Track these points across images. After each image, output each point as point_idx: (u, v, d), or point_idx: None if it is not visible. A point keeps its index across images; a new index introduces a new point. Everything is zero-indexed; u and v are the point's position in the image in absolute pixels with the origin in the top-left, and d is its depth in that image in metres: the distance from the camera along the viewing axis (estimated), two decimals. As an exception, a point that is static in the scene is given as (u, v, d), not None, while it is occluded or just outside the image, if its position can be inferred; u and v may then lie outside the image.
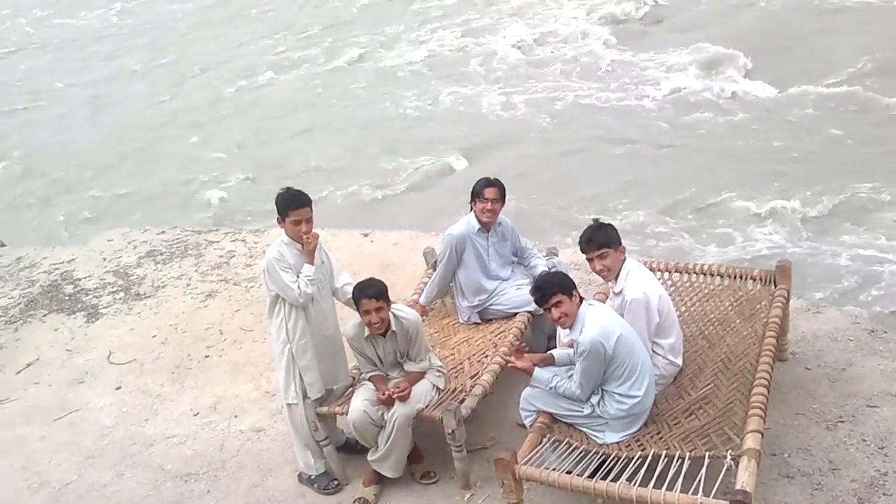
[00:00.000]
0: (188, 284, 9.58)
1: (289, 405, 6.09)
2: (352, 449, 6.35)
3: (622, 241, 5.62)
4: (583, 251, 5.57)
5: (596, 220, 5.73)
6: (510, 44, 16.84)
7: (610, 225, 5.63)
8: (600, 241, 5.45)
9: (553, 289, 5.23)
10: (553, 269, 6.54)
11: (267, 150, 14.14)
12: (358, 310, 5.71)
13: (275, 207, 5.89)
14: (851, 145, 10.95)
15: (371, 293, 5.61)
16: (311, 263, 5.86)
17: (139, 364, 8.23)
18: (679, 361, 5.70)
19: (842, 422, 5.92)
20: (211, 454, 6.84)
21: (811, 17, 15.24)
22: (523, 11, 18.70)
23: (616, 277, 5.60)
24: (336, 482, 6.20)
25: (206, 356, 8.17)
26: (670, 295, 6.50)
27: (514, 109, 13.93)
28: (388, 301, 5.71)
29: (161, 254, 10.46)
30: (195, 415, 7.36)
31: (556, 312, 5.25)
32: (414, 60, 16.97)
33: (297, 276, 5.81)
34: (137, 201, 13.01)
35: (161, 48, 20.99)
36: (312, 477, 6.25)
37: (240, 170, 13.46)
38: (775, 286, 6.31)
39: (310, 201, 5.88)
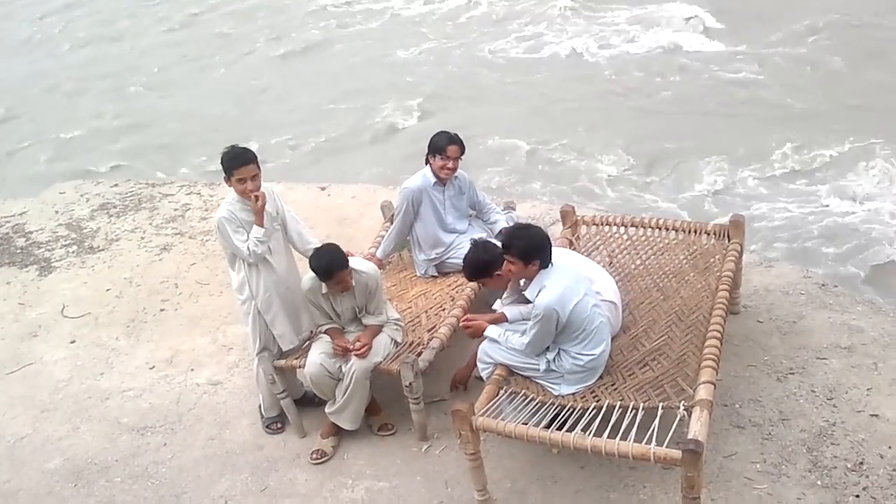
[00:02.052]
0: (142, 238, 9.46)
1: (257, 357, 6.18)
2: (310, 401, 6.37)
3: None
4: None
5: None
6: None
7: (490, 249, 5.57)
8: (476, 274, 5.55)
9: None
10: (510, 225, 6.57)
11: (221, 103, 13.92)
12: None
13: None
14: (807, 103, 11.04)
15: (337, 274, 5.57)
16: (261, 224, 5.72)
17: (93, 318, 8.14)
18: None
19: (792, 373, 6.03)
20: (167, 407, 6.81)
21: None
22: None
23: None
24: (279, 426, 6.33)
25: (162, 310, 8.10)
26: (626, 249, 6.58)
27: (473, 63, 13.83)
28: (348, 268, 5.65)
29: (114, 206, 10.31)
30: (151, 368, 7.31)
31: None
32: (374, 9, 16.72)
33: (248, 236, 5.73)
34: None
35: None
36: (265, 416, 6.38)
37: (196, 126, 13.23)
38: (729, 240, 6.36)
39: (254, 158, 5.69)
